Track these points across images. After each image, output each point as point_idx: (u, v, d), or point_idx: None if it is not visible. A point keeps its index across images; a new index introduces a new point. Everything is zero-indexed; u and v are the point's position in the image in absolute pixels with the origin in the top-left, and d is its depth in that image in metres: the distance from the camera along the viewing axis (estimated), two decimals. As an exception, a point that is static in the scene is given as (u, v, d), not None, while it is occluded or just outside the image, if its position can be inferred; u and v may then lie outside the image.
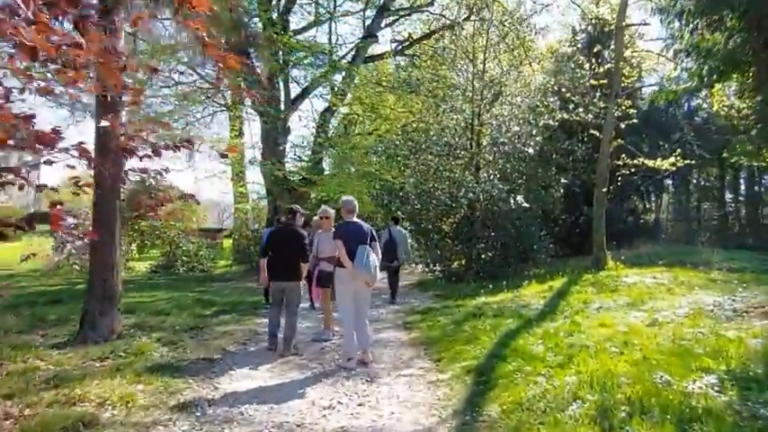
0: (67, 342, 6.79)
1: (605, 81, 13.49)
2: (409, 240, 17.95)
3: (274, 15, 16.06)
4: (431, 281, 14.88)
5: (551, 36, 19.19)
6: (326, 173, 17.72)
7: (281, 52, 15.54)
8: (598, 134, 14.01)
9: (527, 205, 13.23)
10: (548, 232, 15.05)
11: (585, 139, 15.47)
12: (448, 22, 18.25)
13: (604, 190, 13.48)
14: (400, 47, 19.54)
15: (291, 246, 6.66)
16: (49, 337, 7.22)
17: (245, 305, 10.31)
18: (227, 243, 28.03)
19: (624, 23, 13.15)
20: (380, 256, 6.47)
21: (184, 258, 19.05)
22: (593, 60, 13.99)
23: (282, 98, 17.18)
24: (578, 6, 16.26)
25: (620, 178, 14.43)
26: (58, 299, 10.51)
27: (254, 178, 20.43)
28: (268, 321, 7.09)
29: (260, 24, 15.69)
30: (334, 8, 17.27)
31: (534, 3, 17.45)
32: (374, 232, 6.53)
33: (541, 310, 8.67)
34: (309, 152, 17.67)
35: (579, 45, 19.27)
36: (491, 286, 11.45)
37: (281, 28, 14.88)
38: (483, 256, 14.37)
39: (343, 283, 6.21)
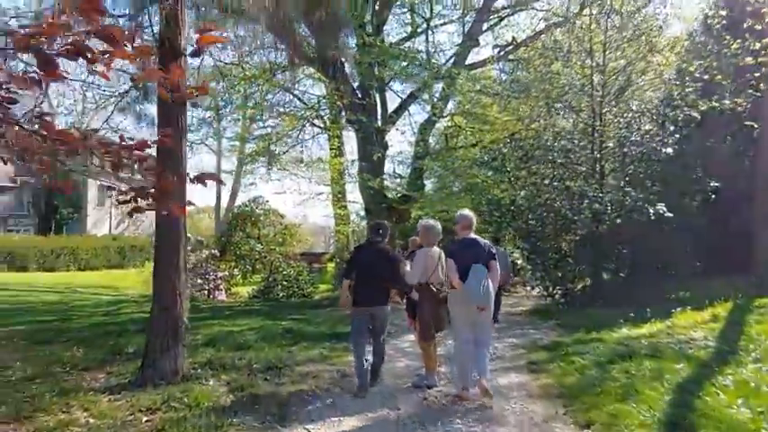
0: (128, 383, 5.68)
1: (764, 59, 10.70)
2: (520, 261, 15.99)
3: (368, 28, 14.93)
4: (550, 307, 12.65)
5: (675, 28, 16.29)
6: (428, 189, 16.12)
7: (376, 64, 14.28)
8: (755, 125, 11.20)
9: (669, 215, 10.66)
10: (692, 247, 12.25)
11: (737, 135, 12.53)
12: (558, 18, 16.16)
13: None
14: (503, 52, 17.66)
15: (376, 265, 5.73)
16: (113, 375, 6.17)
17: (338, 337, 8.86)
18: (332, 267, 27.27)
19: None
20: (499, 276, 5.68)
21: (284, 283, 18.21)
22: (745, 36, 11.14)
23: (379, 111, 15.92)
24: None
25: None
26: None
27: (355, 198, 19.08)
28: (354, 359, 5.83)
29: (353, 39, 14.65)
30: (431, 15, 15.78)
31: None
32: (493, 250, 5.69)
33: (717, 349, 6.38)
34: (408, 168, 16.19)
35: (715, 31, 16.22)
36: (632, 314, 9.09)
37: (376, 38, 13.66)
38: (613, 276, 11.96)
39: (458, 305, 5.49)
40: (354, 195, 19.71)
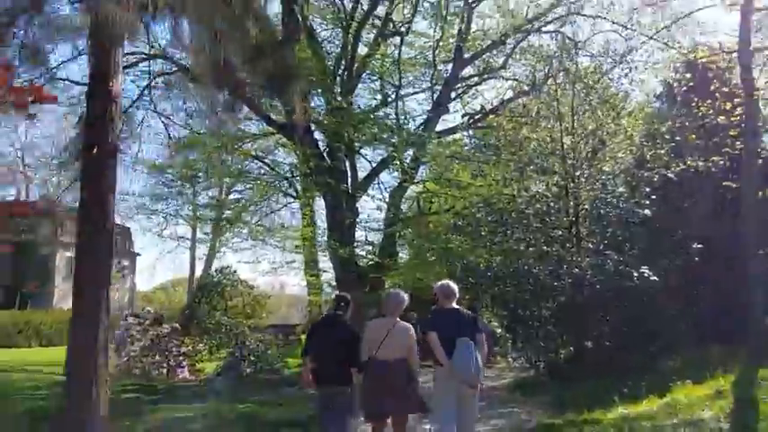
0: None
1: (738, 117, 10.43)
2: (498, 330, 14.95)
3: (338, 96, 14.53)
4: (534, 380, 11.56)
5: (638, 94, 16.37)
6: (402, 257, 15.26)
7: (346, 129, 13.76)
8: (733, 185, 10.77)
9: (655, 278, 9.92)
10: (677, 312, 11.44)
11: (715, 195, 12.06)
12: (525, 87, 16.10)
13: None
14: (472, 120, 17.43)
15: (334, 342, 5.22)
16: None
17: (302, 426, 7.64)
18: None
19: (749, 45, 10.28)
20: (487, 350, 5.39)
21: (252, 358, 16.72)
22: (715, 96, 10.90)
23: (349, 177, 15.25)
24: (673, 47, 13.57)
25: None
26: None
27: (327, 266, 18.01)
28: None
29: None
30: (400, 83, 15.52)
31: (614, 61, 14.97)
32: (479, 320, 5.47)
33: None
34: (381, 235, 15.36)
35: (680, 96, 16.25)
36: (625, 389, 8.08)
37: (344, 102, 13.23)
38: (597, 345, 11.02)
39: (442, 382, 5.05)
40: (327, 264, 18.74)
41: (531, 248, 11.97)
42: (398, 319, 5.11)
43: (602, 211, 11.65)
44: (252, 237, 20.48)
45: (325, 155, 14.62)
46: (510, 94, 17.07)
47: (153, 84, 14.53)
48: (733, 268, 11.06)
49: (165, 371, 16.09)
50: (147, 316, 16.66)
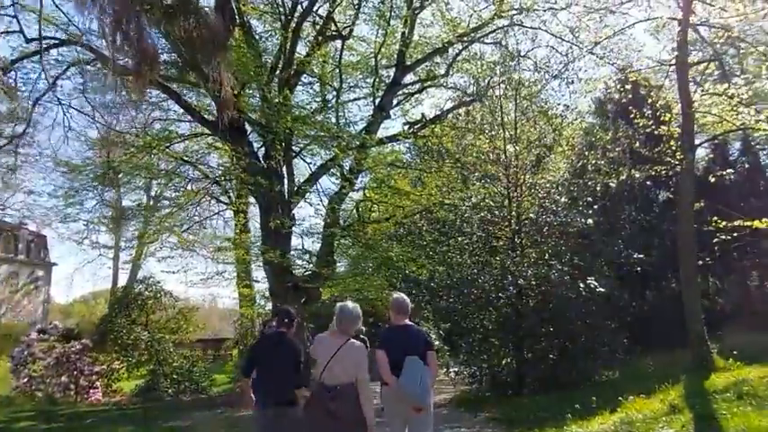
0: None
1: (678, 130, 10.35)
2: (437, 343, 14.30)
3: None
4: (477, 395, 10.93)
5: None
6: (340, 266, 14.34)
7: (282, 132, 12.74)
8: (670, 195, 10.68)
9: (601, 290, 9.57)
10: (618, 323, 11.18)
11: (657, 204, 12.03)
12: (467, 97, 15.74)
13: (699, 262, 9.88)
14: (414, 128, 16.88)
15: (280, 359, 4.73)
16: None
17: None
18: (237, 354, 24.02)
19: (687, 60, 10.26)
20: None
21: (174, 377, 15.18)
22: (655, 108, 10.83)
23: (286, 182, 14.21)
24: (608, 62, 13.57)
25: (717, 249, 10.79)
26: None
27: (261, 277, 16.69)
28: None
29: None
30: (341, 86, 14.73)
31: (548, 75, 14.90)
32: (430, 338, 5.02)
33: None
34: (319, 243, 14.40)
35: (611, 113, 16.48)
36: (578, 405, 7.53)
37: (283, 100, 12.21)
38: (541, 356, 10.55)
39: (391, 404, 4.63)
40: (261, 274, 17.47)
41: (473, 258, 11.41)
42: (350, 337, 4.32)
43: (544, 220, 11.28)
44: (181, 246, 19.07)
45: (260, 157, 13.54)
46: (451, 103, 16.77)
47: (68, 73, 12.93)
48: (670, 278, 10.95)
49: (73, 393, 14.28)
50: (53, 332, 14.77)
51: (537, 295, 10.23)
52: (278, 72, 13.73)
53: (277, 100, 11.64)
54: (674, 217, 12.57)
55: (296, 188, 14.44)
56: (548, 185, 11.70)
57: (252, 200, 16.38)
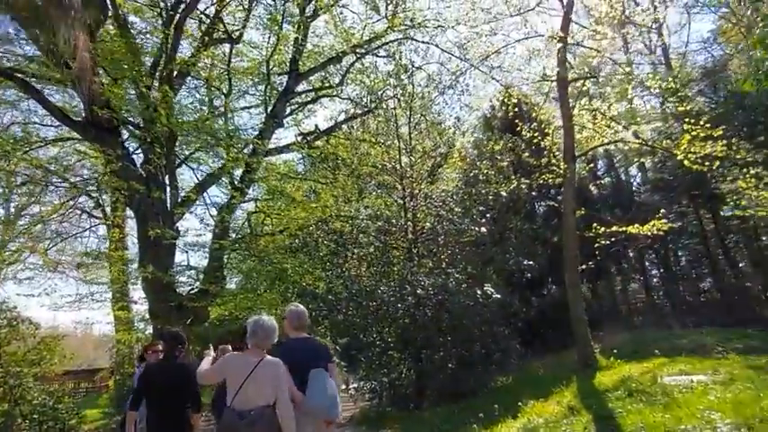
0: None
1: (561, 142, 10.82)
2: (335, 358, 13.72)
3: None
4: (378, 411, 10.47)
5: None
6: (229, 282, 13.24)
7: (162, 136, 11.54)
8: (556, 204, 11.11)
9: (497, 296, 9.60)
10: (510, 329, 11.37)
11: (539, 214, 12.47)
12: (360, 109, 15.49)
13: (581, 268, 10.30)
14: (307, 140, 16.29)
15: (175, 389, 4.39)
16: None
17: None
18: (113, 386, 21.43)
19: (568, 77, 10.80)
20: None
21: (35, 417, 12.99)
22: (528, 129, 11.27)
23: (168, 193, 12.90)
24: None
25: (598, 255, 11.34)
26: None
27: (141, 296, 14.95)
28: None
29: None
30: (230, 90, 13.82)
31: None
32: (330, 351, 4.61)
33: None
34: (206, 259, 13.23)
35: (495, 128, 17.10)
36: (481, 414, 7.37)
37: (162, 102, 11.05)
38: (440, 367, 10.36)
39: (300, 425, 3.89)
40: (140, 294, 15.72)
41: (371, 269, 11.03)
42: (266, 353, 3.92)
43: (440, 229, 11.22)
44: (46, 266, 16.73)
45: (137, 164, 12.16)
46: (345, 116, 16.45)
47: None
48: (557, 283, 11.35)
49: None
50: None
51: (435, 305, 10.04)
52: (158, 70, 12.51)
53: (155, 93, 10.46)
54: (555, 226, 13.23)
55: (180, 199, 13.19)
56: (443, 195, 11.70)
57: (130, 212, 14.80)
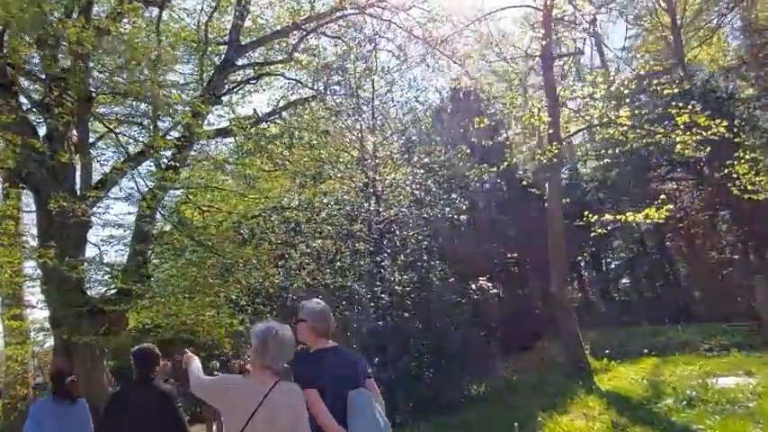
0: None
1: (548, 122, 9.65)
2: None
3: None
4: None
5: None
6: (154, 283, 10.82)
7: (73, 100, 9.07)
8: (536, 191, 9.97)
9: (495, 291, 8.21)
10: (489, 329, 10.04)
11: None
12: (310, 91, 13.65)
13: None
14: (255, 118, 14.09)
15: (153, 416, 3.43)
16: None
17: None
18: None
19: (553, 53, 9.72)
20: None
21: None
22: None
23: (79, 174, 10.34)
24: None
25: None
26: None
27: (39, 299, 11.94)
28: None
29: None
30: (159, 56, 11.45)
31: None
32: (364, 362, 3.00)
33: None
34: (126, 255, 10.75)
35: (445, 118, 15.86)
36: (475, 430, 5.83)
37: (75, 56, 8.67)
38: (415, 376, 8.75)
39: None
40: (39, 296, 12.65)
41: (338, 262, 9.25)
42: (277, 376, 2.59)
43: (415, 215, 9.63)
44: None
45: (40, 136, 9.55)
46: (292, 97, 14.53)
47: None
48: (539, 279, 10.18)
49: None
50: None
51: (413, 304, 8.43)
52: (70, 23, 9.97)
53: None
54: (524, 216, 12.14)
55: (95, 182, 10.62)
56: (419, 176, 10.14)
57: (28, 199, 11.92)
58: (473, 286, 8.40)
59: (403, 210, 9.65)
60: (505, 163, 9.74)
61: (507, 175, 12.63)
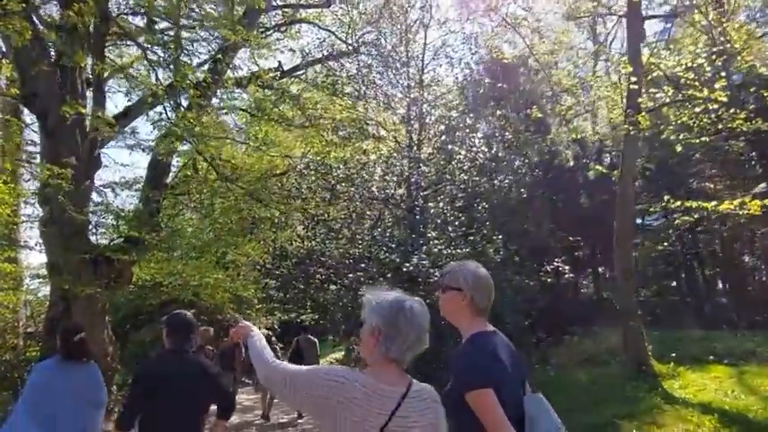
0: None
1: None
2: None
3: None
4: None
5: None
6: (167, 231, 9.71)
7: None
8: (603, 170, 8.85)
9: (570, 275, 7.17)
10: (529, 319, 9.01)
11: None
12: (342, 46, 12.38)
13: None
14: (277, 74, 12.79)
15: (194, 394, 2.94)
16: None
17: None
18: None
19: (640, 10, 8.48)
20: None
21: None
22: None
23: (90, 107, 9.16)
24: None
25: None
26: None
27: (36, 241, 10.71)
28: None
29: None
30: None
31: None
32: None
33: None
34: (139, 201, 9.67)
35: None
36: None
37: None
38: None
39: None
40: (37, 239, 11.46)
41: (375, 229, 8.15)
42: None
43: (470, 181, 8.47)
44: None
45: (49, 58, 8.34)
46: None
47: None
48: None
49: None
50: None
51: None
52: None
53: None
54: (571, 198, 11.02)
55: (107, 118, 9.41)
56: (479, 141, 8.99)
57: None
58: (547, 268, 7.32)
59: (446, 177, 8.50)
60: (573, 135, 8.55)
61: (551, 156, 11.50)
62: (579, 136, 8.98)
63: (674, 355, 8.29)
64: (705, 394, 6.37)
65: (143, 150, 8.62)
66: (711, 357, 8.48)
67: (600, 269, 15.18)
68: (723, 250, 17.61)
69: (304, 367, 1.73)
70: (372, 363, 1.68)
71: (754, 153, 15.55)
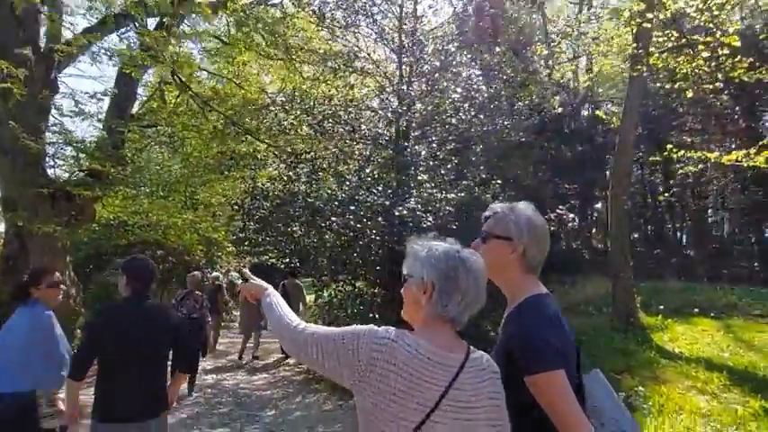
0: None
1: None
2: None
3: None
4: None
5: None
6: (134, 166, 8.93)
7: None
8: (602, 116, 8.41)
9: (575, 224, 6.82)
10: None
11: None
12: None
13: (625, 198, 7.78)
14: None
15: (154, 344, 2.74)
16: None
17: None
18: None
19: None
20: None
21: None
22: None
23: (43, 27, 8.14)
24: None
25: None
26: None
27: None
28: None
29: None
30: None
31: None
32: None
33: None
34: (101, 128, 8.79)
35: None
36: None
37: None
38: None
39: None
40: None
41: (362, 170, 7.58)
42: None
43: (463, 125, 7.90)
44: None
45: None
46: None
47: None
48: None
49: None
50: None
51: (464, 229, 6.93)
52: None
53: None
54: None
55: (68, 38, 8.34)
56: (476, 77, 8.34)
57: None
58: (550, 215, 6.96)
59: (453, 121, 7.90)
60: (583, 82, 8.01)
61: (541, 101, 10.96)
62: (572, 83, 8.42)
63: (661, 307, 8.20)
64: (698, 348, 6.27)
65: (109, 58, 7.60)
66: (696, 310, 8.45)
67: (574, 218, 15.22)
68: (695, 204, 17.80)
69: (337, 328, 1.37)
70: (422, 324, 1.36)
71: (737, 108, 15.44)
